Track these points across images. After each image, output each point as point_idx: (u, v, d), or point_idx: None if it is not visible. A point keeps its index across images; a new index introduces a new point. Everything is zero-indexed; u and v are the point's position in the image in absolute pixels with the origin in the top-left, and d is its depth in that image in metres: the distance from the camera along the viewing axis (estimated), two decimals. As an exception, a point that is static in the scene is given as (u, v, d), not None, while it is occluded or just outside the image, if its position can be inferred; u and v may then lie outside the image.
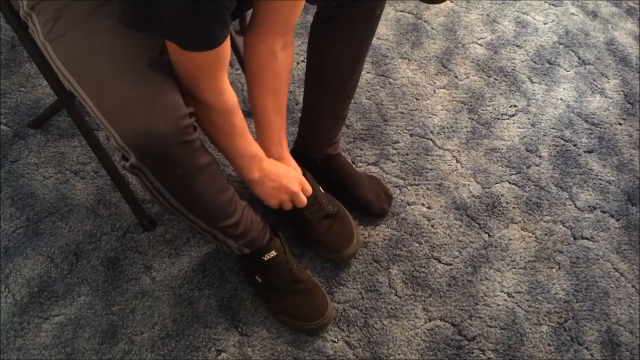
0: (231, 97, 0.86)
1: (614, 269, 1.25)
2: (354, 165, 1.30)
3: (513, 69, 1.54)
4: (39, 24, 0.78)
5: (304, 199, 1.06)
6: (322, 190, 1.17)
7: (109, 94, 0.73)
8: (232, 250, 1.02)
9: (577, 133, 1.45)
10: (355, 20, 1.00)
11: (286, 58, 1.00)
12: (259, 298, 1.12)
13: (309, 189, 1.08)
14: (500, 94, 1.49)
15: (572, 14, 1.70)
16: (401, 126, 1.39)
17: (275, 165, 1.03)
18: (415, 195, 1.29)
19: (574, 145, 1.42)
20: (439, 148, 1.37)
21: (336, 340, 1.10)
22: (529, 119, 1.45)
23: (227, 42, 0.76)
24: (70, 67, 0.76)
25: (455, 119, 1.42)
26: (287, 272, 1.07)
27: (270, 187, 1.02)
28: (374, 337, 1.11)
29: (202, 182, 0.83)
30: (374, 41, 1.54)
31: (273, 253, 1.05)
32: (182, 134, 0.74)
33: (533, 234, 1.27)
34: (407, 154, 1.35)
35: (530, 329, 1.15)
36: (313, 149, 1.18)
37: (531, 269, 1.22)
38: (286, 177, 1.03)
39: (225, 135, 0.91)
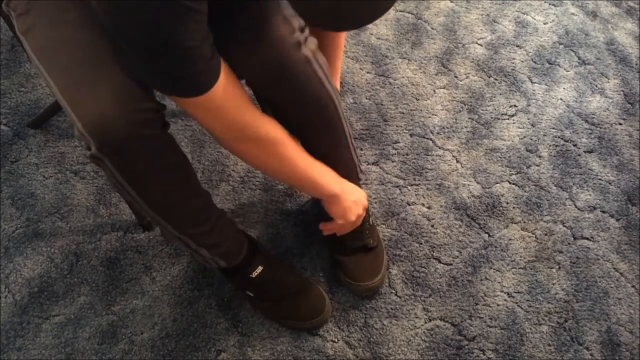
0: (267, 128, 0.82)
1: (614, 269, 1.25)
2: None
3: (513, 69, 1.54)
4: (15, 19, 0.79)
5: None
6: (371, 222, 1.15)
7: (71, 80, 0.73)
8: (207, 262, 0.97)
9: (577, 133, 1.45)
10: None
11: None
12: (254, 308, 1.11)
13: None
14: (500, 94, 1.49)
15: (572, 14, 1.70)
16: (401, 126, 1.39)
17: (344, 180, 1.00)
18: (415, 195, 1.29)
19: (574, 145, 1.42)
20: (439, 148, 1.37)
21: (336, 340, 1.10)
22: (529, 119, 1.45)
23: (226, 83, 0.74)
24: (40, 57, 0.76)
25: (455, 119, 1.42)
26: (276, 282, 1.06)
27: (351, 200, 0.98)
28: (374, 337, 1.11)
29: (169, 183, 0.81)
30: (374, 41, 1.54)
31: (260, 269, 1.02)
32: (138, 127, 0.72)
33: (533, 234, 1.27)
34: (407, 154, 1.35)
35: (530, 329, 1.15)
36: None
37: (531, 269, 1.22)
38: (357, 190, 1.01)
39: (277, 164, 0.86)
